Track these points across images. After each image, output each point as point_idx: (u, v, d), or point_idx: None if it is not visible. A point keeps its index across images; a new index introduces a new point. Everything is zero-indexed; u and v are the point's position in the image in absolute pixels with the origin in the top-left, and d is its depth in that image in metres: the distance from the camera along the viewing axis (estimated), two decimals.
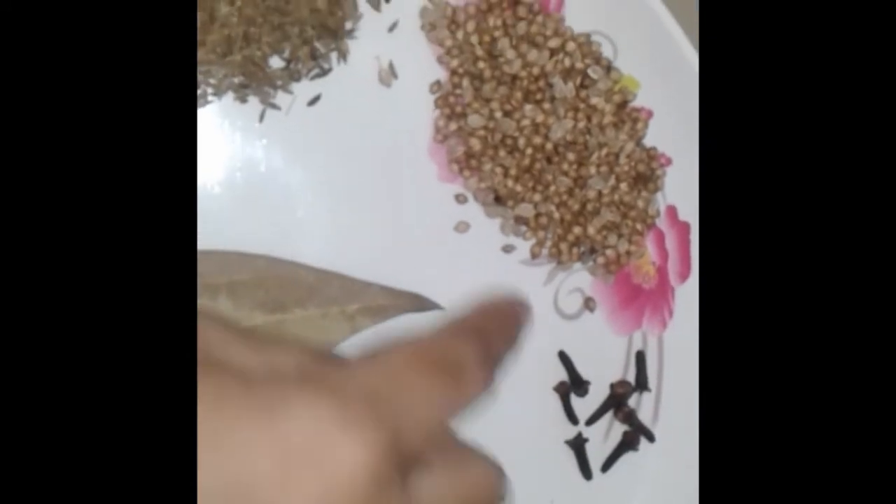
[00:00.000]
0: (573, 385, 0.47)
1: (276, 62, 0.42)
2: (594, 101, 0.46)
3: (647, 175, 0.47)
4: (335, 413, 0.30)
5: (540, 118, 0.45)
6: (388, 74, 0.44)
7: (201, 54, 0.40)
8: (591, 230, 0.46)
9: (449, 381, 0.33)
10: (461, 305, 0.44)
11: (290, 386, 0.31)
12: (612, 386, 0.47)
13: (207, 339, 0.32)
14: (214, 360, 0.32)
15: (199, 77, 0.41)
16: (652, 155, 0.47)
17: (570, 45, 0.45)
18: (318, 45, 0.43)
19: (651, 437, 0.48)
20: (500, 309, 0.39)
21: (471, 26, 0.45)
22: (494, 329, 0.37)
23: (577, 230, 0.46)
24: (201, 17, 0.39)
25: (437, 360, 0.33)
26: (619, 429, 0.48)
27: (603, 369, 0.47)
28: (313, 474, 0.30)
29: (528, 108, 0.45)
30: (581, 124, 0.45)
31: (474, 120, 0.45)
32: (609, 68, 0.46)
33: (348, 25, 0.43)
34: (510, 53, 0.45)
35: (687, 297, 0.48)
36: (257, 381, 0.31)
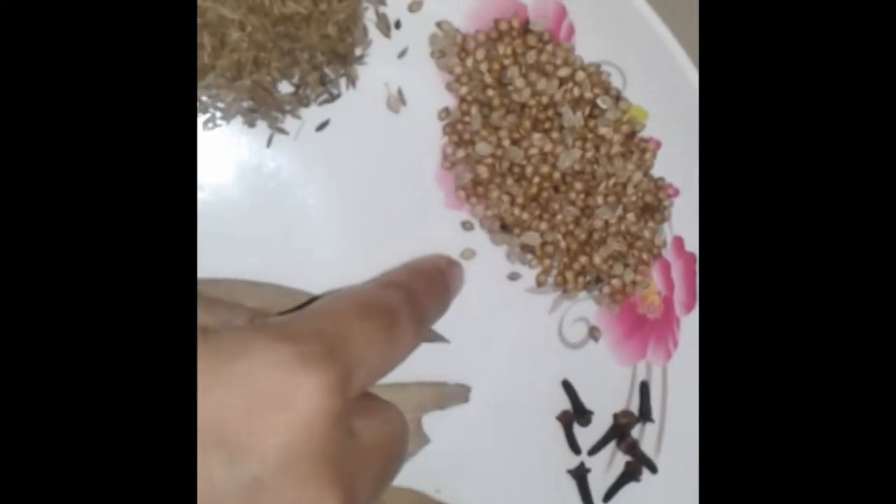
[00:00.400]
0: (576, 414, 0.47)
1: (285, 87, 0.42)
2: (602, 130, 0.45)
3: (654, 205, 0.47)
4: (293, 352, 0.32)
5: (548, 147, 0.45)
6: (397, 101, 0.44)
7: (210, 79, 0.40)
8: (597, 259, 0.46)
9: (385, 325, 0.36)
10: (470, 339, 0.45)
11: (246, 333, 0.33)
12: (616, 416, 0.47)
13: None
14: None
15: (208, 101, 0.41)
16: (659, 185, 0.47)
17: (580, 75, 0.45)
18: (327, 70, 0.42)
19: (653, 468, 0.47)
20: (427, 270, 0.42)
21: (480, 54, 0.45)
22: (420, 287, 0.40)
23: (583, 259, 0.46)
24: (211, 42, 0.39)
25: (374, 306, 0.36)
26: (621, 459, 0.47)
27: (606, 399, 0.47)
28: (278, 412, 0.32)
29: (536, 136, 0.45)
30: (589, 154, 0.45)
31: (482, 147, 0.45)
32: (618, 98, 0.46)
33: (358, 51, 0.43)
34: (519, 82, 0.45)
35: (692, 327, 0.48)
36: (213, 332, 0.33)
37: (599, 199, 0.46)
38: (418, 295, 0.39)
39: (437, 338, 0.45)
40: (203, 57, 0.39)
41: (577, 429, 0.47)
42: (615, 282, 0.47)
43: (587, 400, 0.47)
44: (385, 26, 0.44)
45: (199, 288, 0.42)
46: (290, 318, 0.36)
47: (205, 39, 0.39)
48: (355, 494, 0.33)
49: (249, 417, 0.32)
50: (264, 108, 0.42)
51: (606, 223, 0.46)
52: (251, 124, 0.43)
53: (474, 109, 0.45)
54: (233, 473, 0.31)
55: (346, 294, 0.38)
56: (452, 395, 0.45)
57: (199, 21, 0.39)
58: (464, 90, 0.45)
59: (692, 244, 0.47)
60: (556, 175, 0.45)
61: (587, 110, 0.45)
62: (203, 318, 0.37)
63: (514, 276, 0.46)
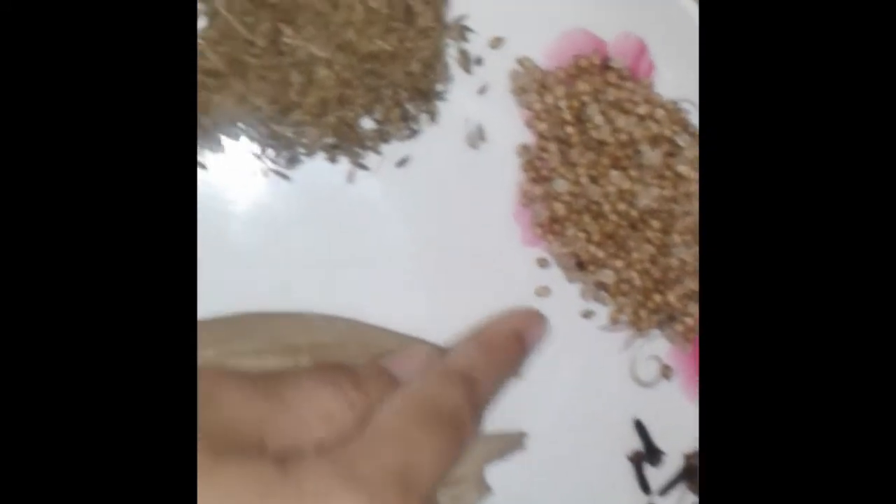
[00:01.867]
0: (648, 454, 0.46)
1: (366, 123, 0.42)
2: (681, 168, 0.45)
3: None
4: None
5: (626, 185, 0.45)
6: (477, 137, 0.44)
7: (297, 115, 0.40)
8: (671, 298, 0.46)
9: (453, 437, 0.36)
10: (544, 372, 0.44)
11: (323, 475, 0.33)
12: (687, 456, 0.47)
13: (232, 405, 0.34)
14: (248, 441, 0.34)
15: (293, 137, 0.41)
16: None
17: (659, 112, 0.45)
18: (409, 106, 0.42)
19: None
20: (501, 343, 0.41)
21: (560, 91, 0.44)
22: (487, 369, 0.39)
23: (657, 298, 0.46)
24: (299, 79, 0.39)
25: (438, 416, 0.36)
26: (691, 499, 0.47)
27: (678, 438, 0.47)
28: None
29: (614, 174, 0.44)
30: (667, 192, 0.45)
31: (560, 184, 0.44)
32: (696, 136, 0.46)
33: (439, 87, 0.43)
34: (598, 119, 0.44)
35: None
36: (292, 466, 0.33)
37: (676, 238, 0.45)
38: (483, 383, 0.38)
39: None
40: (290, 94, 0.39)
41: (648, 468, 0.47)
42: (688, 320, 0.46)
43: (658, 439, 0.47)
44: (466, 63, 0.43)
45: (273, 321, 0.42)
46: (359, 449, 0.34)
47: (293, 77, 0.39)
48: None
49: None
50: (347, 143, 0.42)
51: (682, 261, 0.46)
52: (333, 160, 0.42)
53: (553, 146, 0.44)
54: None
55: (407, 395, 0.37)
56: (511, 443, 0.45)
57: (288, 60, 0.39)
58: (543, 127, 0.45)
59: None
60: (634, 213, 0.45)
61: (666, 148, 0.45)
62: (268, 362, 0.37)
63: (587, 314, 0.46)
